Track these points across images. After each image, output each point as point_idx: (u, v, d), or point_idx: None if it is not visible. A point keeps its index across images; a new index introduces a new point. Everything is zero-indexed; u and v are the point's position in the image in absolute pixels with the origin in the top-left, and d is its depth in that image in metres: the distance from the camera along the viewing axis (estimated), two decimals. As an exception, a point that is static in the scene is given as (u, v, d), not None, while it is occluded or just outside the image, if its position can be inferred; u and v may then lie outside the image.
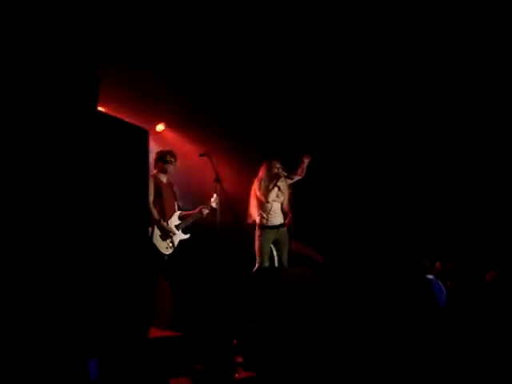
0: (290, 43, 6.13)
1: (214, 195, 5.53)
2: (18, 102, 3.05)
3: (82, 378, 2.88)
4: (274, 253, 5.81)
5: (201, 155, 5.52)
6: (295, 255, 5.88)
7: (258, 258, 5.72)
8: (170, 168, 5.50)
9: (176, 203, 5.56)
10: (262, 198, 5.74)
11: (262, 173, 5.84)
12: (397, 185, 7.08)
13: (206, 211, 5.59)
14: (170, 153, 5.54)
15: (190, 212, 5.62)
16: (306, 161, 5.76)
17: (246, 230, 5.86)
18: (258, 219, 5.76)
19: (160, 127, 6.77)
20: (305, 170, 5.78)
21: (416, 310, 4.91)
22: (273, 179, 5.75)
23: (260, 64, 6.34)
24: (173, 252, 5.33)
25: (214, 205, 5.54)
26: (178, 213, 5.51)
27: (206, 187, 5.75)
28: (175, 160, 5.54)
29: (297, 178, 5.83)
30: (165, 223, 5.30)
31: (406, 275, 5.59)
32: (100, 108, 5.82)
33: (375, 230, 6.96)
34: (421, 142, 7.07)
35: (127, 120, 5.85)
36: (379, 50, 6.28)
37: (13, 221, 2.88)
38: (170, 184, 5.56)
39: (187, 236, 5.51)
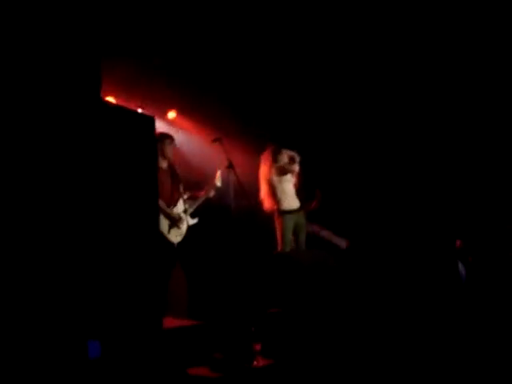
0: (299, 28, 6.03)
1: (218, 173, 5.41)
2: (20, 95, 3.01)
3: (80, 356, 2.86)
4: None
5: (213, 141, 5.44)
6: (312, 237, 5.80)
7: (280, 245, 5.61)
8: (168, 151, 5.22)
9: (180, 188, 5.32)
10: (276, 182, 5.63)
11: (271, 158, 5.71)
12: (422, 166, 6.90)
13: (212, 192, 5.45)
14: (164, 134, 5.29)
15: (196, 194, 5.48)
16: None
17: (260, 214, 5.77)
18: (275, 206, 5.64)
19: (172, 114, 6.69)
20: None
21: (443, 292, 4.81)
22: (284, 169, 5.65)
23: (269, 48, 6.24)
24: (187, 240, 5.24)
25: (218, 183, 5.42)
26: (182, 198, 5.31)
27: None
28: (172, 141, 5.28)
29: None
30: (170, 210, 5.12)
31: (437, 258, 5.47)
32: (110, 99, 5.80)
33: (402, 212, 6.81)
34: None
35: (139, 109, 5.88)
36: (381, 47, 6.18)
37: (18, 213, 2.85)
38: (170, 169, 5.30)
39: (196, 220, 5.39)
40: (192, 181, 5.75)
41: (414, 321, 4.29)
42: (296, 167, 5.69)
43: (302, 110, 6.87)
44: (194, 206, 5.39)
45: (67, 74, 3.27)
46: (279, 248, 5.59)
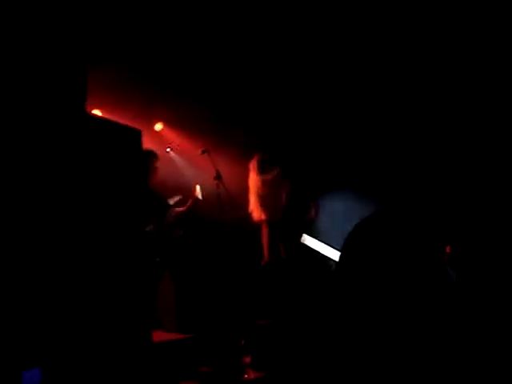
0: (285, 39, 6.04)
1: (197, 187, 5.46)
2: (3, 107, 2.98)
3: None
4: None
5: (202, 152, 5.44)
6: (302, 248, 5.78)
7: (265, 254, 5.60)
8: (151, 169, 5.24)
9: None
10: (262, 192, 5.63)
11: (257, 168, 5.73)
12: (412, 169, 6.91)
13: (193, 205, 5.47)
14: (148, 153, 5.25)
15: (180, 209, 5.50)
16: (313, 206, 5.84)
17: (249, 224, 5.75)
18: (262, 215, 5.65)
19: (158, 126, 6.67)
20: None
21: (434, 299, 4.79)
22: (268, 173, 5.66)
23: (253, 58, 6.24)
24: (175, 252, 5.23)
25: (199, 196, 5.47)
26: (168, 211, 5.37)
27: (206, 184, 5.64)
28: (156, 160, 5.32)
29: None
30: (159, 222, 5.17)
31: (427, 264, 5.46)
32: (96, 111, 5.77)
33: (391, 217, 6.76)
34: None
35: (125, 122, 5.85)
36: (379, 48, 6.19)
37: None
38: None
39: (181, 232, 5.41)
40: (178, 192, 5.74)
41: (407, 328, 4.27)
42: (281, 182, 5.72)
43: (291, 118, 6.87)
44: (177, 219, 5.40)
45: (51, 85, 3.26)
46: (266, 259, 5.57)
